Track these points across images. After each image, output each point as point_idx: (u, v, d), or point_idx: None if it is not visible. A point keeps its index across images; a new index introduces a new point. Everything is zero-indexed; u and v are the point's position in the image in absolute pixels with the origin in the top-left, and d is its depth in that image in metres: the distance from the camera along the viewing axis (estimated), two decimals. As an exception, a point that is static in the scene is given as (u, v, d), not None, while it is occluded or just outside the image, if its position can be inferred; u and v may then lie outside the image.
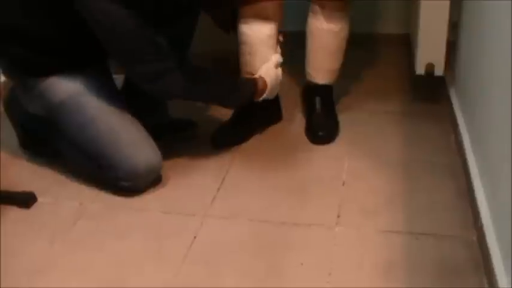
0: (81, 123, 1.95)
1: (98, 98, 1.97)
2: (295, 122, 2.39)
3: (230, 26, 2.24)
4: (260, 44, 2.19)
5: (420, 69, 2.36)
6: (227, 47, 2.41)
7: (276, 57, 2.20)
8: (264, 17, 2.17)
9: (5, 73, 2.11)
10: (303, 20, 2.28)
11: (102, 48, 1.86)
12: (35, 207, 1.94)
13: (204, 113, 2.46)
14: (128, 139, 1.96)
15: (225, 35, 2.27)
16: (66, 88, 1.95)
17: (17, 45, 1.93)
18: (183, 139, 2.30)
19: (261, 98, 2.15)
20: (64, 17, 1.87)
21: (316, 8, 2.22)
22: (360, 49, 2.75)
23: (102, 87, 1.99)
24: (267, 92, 2.15)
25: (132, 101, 2.07)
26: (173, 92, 1.96)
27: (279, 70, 2.21)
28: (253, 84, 2.13)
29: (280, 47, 2.24)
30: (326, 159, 2.15)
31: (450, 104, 2.35)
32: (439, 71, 2.35)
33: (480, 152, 1.86)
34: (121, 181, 1.95)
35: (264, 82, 2.14)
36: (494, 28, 1.72)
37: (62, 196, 1.99)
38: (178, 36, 2.11)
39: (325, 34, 2.24)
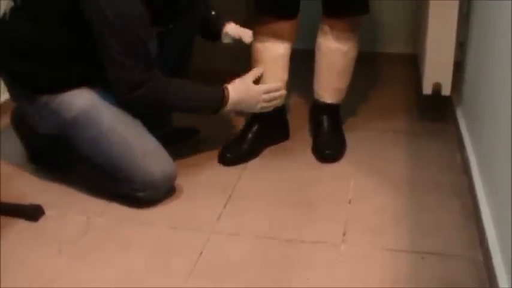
0: (94, 138, 1.96)
1: (109, 111, 1.98)
2: (302, 140, 2.40)
3: (218, 35, 2.27)
4: (272, 63, 2.21)
5: (427, 89, 2.37)
6: (208, 66, 2.48)
7: (256, 71, 2.21)
8: (279, 37, 2.20)
9: (14, 94, 2.09)
10: (313, 39, 2.30)
11: None
12: (42, 220, 1.95)
13: (211, 127, 2.48)
14: (142, 150, 1.97)
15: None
16: (78, 104, 1.97)
17: (30, 61, 1.95)
18: (188, 147, 2.33)
19: (225, 109, 2.13)
20: (75, 29, 1.89)
21: (326, 27, 2.24)
22: (367, 68, 2.77)
23: (112, 101, 2.00)
24: (230, 105, 2.12)
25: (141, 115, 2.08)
26: (145, 105, 1.99)
27: (265, 97, 2.19)
28: (220, 97, 2.10)
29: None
30: (332, 178, 2.16)
31: (456, 124, 2.36)
32: (446, 90, 2.36)
33: (486, 171, 1.87)
34: (137, 192, 1.97)
35: (228, 95, 2.11)
36: (501, 49, 1.73)
37: (69, 209, 2.00)
38: (178, 35, 2.14)
39: (334, 54, 2.26)
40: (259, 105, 2.21)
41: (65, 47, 1.94)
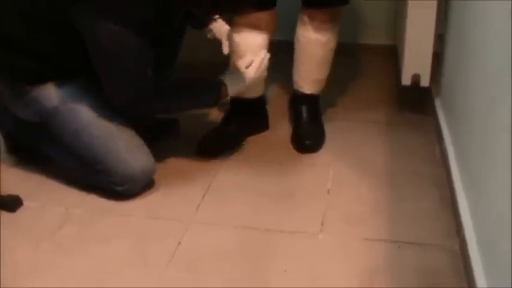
0: (75, 129, 1.96)
1: (91, 104, 1.98)
2: (281, 131, 2.41)
3: (203, 23, 2.31)
4: (250, 54, 2.20)
5: (406, 80, 2.38)
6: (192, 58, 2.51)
7: (248, 58, 2.16)
8: (257, 27, 2.19)
9: None
10: (293, 30, 2.29)
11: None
12: (20, 211, 1.94)
13: (190, 118, 2.47)
14: (122, 144, 1.97)
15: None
16: (59, 94, 1.97)
17: (14, 54, 1.95)
18: (168, 139, 2.33)
19: (226, 99, 2.15)
20: (62, 32, 1.89)
21: (305, 18, 2.23)
22: (346, 59, 2.77)
23: (94, 94, 1.99)
24: (230, 96, 2.13)
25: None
26: (144, 113, 2.11)
27: (250, 69, 2.13)
28: (216, 90, 2.09)
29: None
30: (311, 168, 2.16)
31: (435, 115, 2.37)
32: (425, 81, 2.37)
33: (464, 162, 1.88)
34: (115, 186, 1.96)
35: (226, 90, 2.10)
36: (480, 41, 1.74)
37: (47, 200, 1.99)
38: (166, 56, 2.14)
39: (313, 44, 2.26)
40: (257, 83, 2.20)
41: (49, 43, 1.93)
